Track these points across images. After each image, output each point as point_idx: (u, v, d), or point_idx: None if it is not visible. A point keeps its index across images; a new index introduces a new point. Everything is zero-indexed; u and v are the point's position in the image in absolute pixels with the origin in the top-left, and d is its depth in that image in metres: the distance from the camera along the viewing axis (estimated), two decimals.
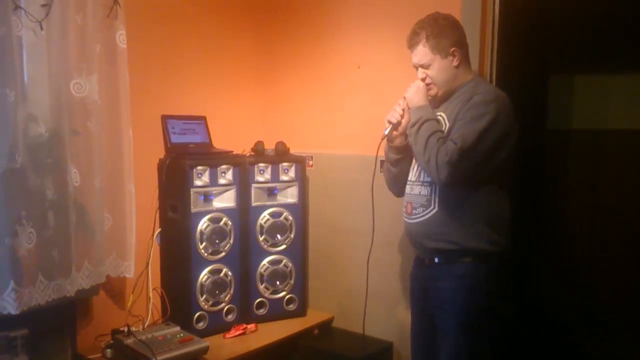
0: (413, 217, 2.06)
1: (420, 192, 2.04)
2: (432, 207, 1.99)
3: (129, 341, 2.27)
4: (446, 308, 2.01)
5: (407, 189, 2.12)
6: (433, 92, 2.06)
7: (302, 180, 2.86)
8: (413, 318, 2.25)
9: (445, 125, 1.98)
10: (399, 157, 2.17)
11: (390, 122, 2.11)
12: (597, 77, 3.54)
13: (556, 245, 3.68)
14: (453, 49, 2.00)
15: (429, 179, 2.00)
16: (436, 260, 2.04)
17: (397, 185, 2.21)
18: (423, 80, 2.06)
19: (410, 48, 2.07)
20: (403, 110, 2.09)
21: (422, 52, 2.02)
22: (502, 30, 2.47)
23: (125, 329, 2.35)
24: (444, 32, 2.00)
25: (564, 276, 3.66)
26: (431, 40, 2.00)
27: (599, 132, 3.53)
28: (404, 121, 2.09)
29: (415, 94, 2.04)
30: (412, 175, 2.12)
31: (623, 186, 3.44)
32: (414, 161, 2.11)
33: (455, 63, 2.01)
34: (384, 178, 2.29)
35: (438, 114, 2.04)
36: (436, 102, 2.08)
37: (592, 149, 3.55)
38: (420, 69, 2.07)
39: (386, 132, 2.12)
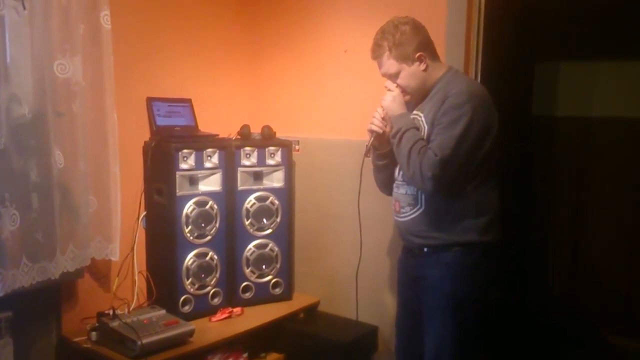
0: (401, 215, 2.06)
1: (406, 191, 2.04)
2: (418, 205, 2.00)
3: (114, 324, 2.27)
4: (433, 295, 2.01)
5: (394, 187, 2.12)
6: (407, 98, 2.04)
7: (288, 165, 2.86)
8: (399, 306, 2.26)
9: (424, 128, 1.96)
10: (384, 162, 2.15)
11: (373, 131, 2.07)
12: (583, 63, 3.56)
13: (542, 231, 3.72)
14: (418, 54, 1.96)
15: None
16: (425, 250, 2.04)
17: (387, 188, 2.19)
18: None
19: (375, 60, 2.03)
20: (383, 118, 2.05)
21: (388, 64, 1.99)
22: (488, 16, 2.47)
23: (111, 312, 2.34)
24: (406, 39, 1.95)
25: (548, 262, 3.70)
26: (394, 50, 1.96)
27: (584, 119, 3.56)
28: (387, 129, 2.05)
29: (392, 102, 2.01)
30: (397, 175, 2.10)
31: (609, 172, 3.48)
32: None
33: (422, 67, 1.97)
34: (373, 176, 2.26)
35: (416, 113, 2.02)
36: (413, 104, 2.06)
37: (578, 136, 3.58)
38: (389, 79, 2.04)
39: (370, 142, 2.09)
